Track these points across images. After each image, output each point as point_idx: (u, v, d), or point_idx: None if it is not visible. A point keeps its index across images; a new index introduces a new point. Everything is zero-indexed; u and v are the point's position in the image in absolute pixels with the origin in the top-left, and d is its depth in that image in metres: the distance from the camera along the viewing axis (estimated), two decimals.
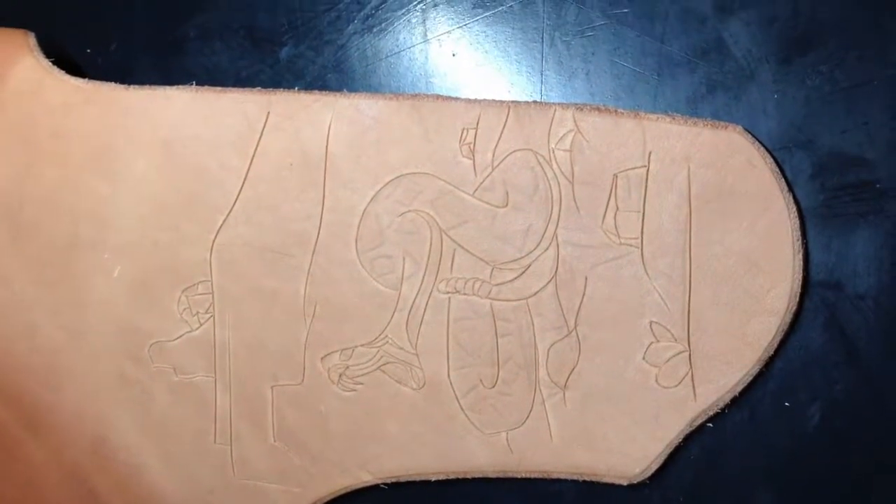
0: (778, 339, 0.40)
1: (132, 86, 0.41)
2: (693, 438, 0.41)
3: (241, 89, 0.41)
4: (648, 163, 0.39)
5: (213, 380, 0.43)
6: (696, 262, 0.40)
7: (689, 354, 0.40)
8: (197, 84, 0.41)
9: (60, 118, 0.42)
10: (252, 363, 0.42)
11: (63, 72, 0.41)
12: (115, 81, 0.41)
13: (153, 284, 0.42)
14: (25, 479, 0.43)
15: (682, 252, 0.40)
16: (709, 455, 0.43)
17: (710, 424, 0.41)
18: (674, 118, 0.39)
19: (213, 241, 0.42)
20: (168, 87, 0.41)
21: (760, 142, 0.39)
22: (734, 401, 0.40)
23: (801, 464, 0.42)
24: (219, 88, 0.41)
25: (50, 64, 0.42)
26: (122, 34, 0.45)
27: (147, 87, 0.41)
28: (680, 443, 0.41)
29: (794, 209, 0.39)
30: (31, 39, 0.42)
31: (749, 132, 0.39)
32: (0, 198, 0.42)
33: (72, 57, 0.44)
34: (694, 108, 0.41)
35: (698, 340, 0.40)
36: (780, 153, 0.40)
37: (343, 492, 0.43)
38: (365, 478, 0.43)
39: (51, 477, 0.43)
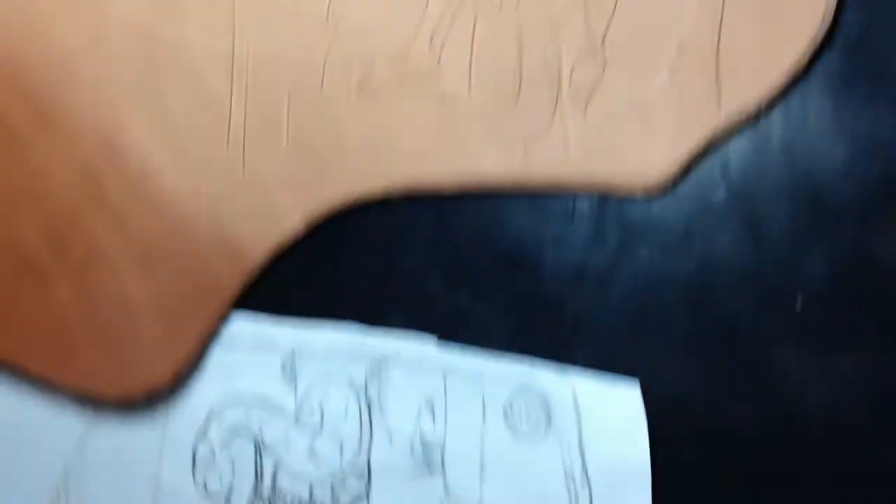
0: (807, 56, 0.39)
1: None
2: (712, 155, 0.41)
3: None
4: None
5: (228, 88, 0.42)
6: None
7: (717, 69, 0.39)
8: None
9: None
10: (271, 74, 0.42)
11: None
12: None
13: None
14: (34, 172, 0.43)
15: None
16: (725, 172, 0.42)
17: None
18: None
19: None
20: None
21: None
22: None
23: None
24: None
25: None
26: None
27: None
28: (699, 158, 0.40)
29: None
30: None
31: None
32: None
33: None
34: None
35: (727, 57, 0.40)
36: None
37: (352, 203, 0.42)
38: (376, 188, 0.42)
39: (58, 170, 0.43)
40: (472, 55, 0.41)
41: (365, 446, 0.42)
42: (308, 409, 0.42)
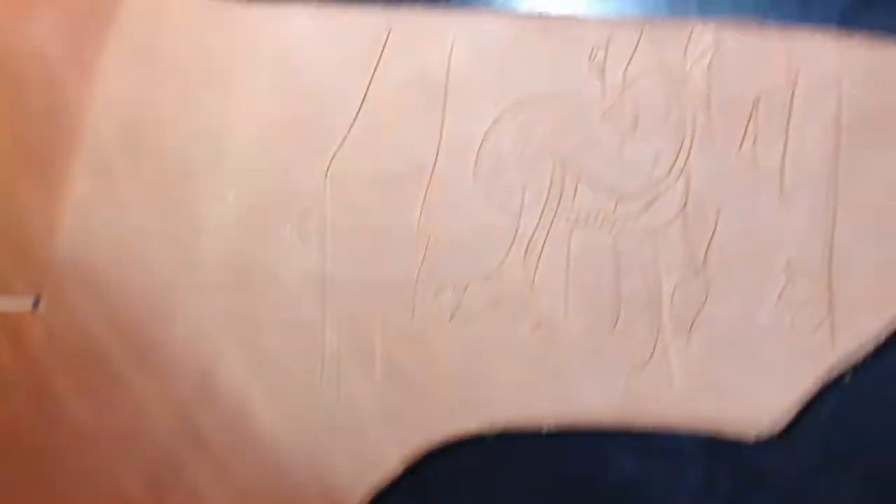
0: None
1: (253, 2, 0.40)
2: (829, 392, 0.37)
3: (361, 6, 0.40)
4: (795, 84, 0.36)
5: (321, 315, 0.41)
6: (844, 194, 0.36)
7: (830, 297, 0.37)
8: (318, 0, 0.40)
9: (180, 37, 0.41)
10: (362, 298, 0.40)
11: None
12: None
13: (266, 212, 0.41)
14: (133, 412, 0.42)
15: (827, 184, 0.36)
16: (846, 411, 0.39)
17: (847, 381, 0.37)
18: (825, 34, 0.36)
19: (328, 168, 0.40)
20: (289, 4, 0.40)
21: None
22: (877, 352, 0.36)
23: None
24: (340, 6, 0.40)
25: None
26: None
27: (267, 3, 0.40)
28: (814, 396, 0.37)
29: None
30: None
31: None
32: (119, 120, 0.41)
33: None
34: (848, 22, 0.38)
35: (840, 281, 0.37)
36: None
37: (449, 440, 0.40)
38: (472, 425, 0.40)
39: (157, 411, 0.42)
40: (567, 274, 0.39)
41: None
42: None
